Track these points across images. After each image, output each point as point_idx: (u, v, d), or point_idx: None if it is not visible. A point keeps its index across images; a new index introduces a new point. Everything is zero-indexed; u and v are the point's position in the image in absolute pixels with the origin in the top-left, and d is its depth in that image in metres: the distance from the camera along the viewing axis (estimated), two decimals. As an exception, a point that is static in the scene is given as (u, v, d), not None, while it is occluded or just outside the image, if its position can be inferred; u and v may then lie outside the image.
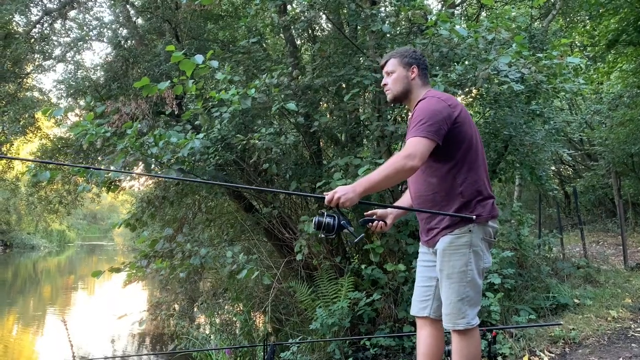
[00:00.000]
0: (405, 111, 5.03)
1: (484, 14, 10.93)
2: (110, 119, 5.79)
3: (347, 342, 4.73)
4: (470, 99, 6.04)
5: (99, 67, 9.90)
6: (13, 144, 12.68)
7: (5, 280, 20.43)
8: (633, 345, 4.07)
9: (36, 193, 12.63)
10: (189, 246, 5.13)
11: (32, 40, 10.10)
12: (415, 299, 2.57)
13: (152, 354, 8.56)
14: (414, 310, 2.56)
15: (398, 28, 6.01)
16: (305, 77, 5.78)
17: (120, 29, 9.10)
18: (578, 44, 15.32)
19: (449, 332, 2.42)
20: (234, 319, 6.75)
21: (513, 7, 11.21)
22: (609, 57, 12.53)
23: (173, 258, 5.20)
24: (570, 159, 14.00)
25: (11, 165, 14.47)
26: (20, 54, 9.49)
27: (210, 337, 6.40)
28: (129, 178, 5.87)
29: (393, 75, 2.56)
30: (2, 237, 31.82)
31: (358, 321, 4.90)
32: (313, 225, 2.33)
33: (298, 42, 7.04)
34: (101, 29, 9.91)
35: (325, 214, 2.30)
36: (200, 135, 4.71)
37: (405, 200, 2.69)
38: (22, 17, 10.04)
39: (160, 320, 7.46)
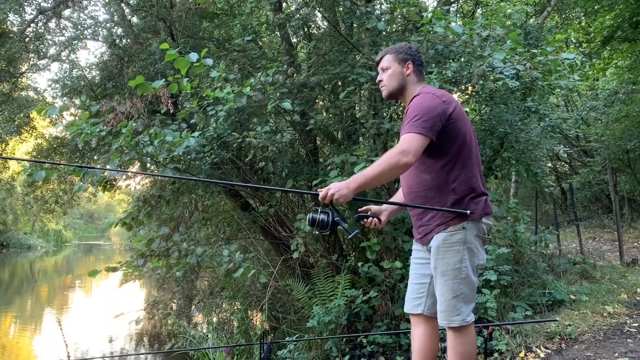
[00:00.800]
0: (401, 108, 5.03)
1: (479, 10, 10.93)
2: (106, 118, 5.77)
3: (344, 339, 4.73)
4: (466, 96, 6.04)
5: (94, 66, 9.86)
6: (8, 144, 12.63)
7: (2, 280, 20.37)
8: (629, 340, 4.08)
9: (32, 193, 12.59)
10: (185, 245, 5.12)
11: (27, 39, 10.04)
12: (408, 296, 2.57)
13: (150, 353, 8.55)
14: (407, 308, 2.56)
15: (393, 25, 6.01)
16: (300, 75, 5.78)
17: (115, 27, 9.07)
18: (573, 41, 15.35)
19: (444, 329, 2.42)
20: (231, 317, 6.75)
21: (508, 4, 11.21)
22: (605, 53, 12.56)
23: (169, 257, 5.19)
24: (566, 155, 14.03)
25: (7, 165, 14.42)
26: (15, 53, 9.43)
27: (207, 335, 6.40)
28: (124, 177, 5.85)
29: (388, 71, 2.56)
30: (-1, 237, 31.73)
31: (355, 319, 4.91)
32: (307, 221, 2.32)
33: (293, 40, 7.02)
34: (96, 28, 9.87)
35: (320, 210, 2.30)
36: (196, 134, 4.70)
37: (398, 197, 2.68)
38: (17, 16, 9.98)
39: (157, 320, 7.44)
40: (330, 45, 6.08)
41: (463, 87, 5.17)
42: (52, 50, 10.64)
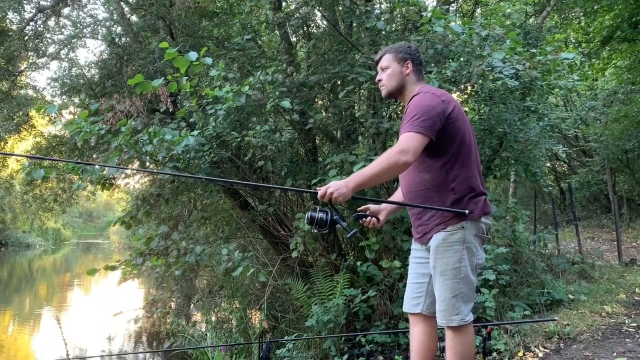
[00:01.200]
0: (400, 108, 5.03)
1: (479, 10, 10.93)
2: (105, 117, 5.76)
3: (343, 338, 4.74)
4: (465, 96, 6.04)
5: (93, 65, 9.87)
6: (7, 142, 12.62)
7: (1, 278, 20.36)
8: (627, 340, 4.09)
9: (31, 191, 12.58)
10: (184, 244, 5.12)
11: (26, 37, 10.03)
12: (407, 295, 2.57)
13: (148, 352, 8.55)
14: (406, 307, 2.56)
15: (393, 25, 6.00)
16: (300, 74, 5.77)
17: (115, 26, 9.06)
18: (573, 41, 15.35)
19: (443, 328, 2.42)
20: (230, 316, 6.75)
21: (508, 4, 11.21)
22: (604, 53, 12.57)
23: (168, 256, 5.19)
24: (565, 155, 14.03)
25: (5, 164, 14.41)
26: (14, 51, 9.42)
27: (206, 334, 6.39)
28: (124, 175, 5.84)
29: (387, 70, 2.56)
30: (-3, 236, 31.66)
31: (354, 318, 4.91)
32: (306, 220, 2.32)
33: (293, 39, 7.02)
34: (95, 26, 9.87)
35: (318, 209, 2.30)
36: (195, 133, 4.69)
37: (397, 196, 2.69)
38: (16, 14, 9.97)
39: (156, 318, 7.44)
40: (329, 45, 6.08)
41: (462, 86, 5.17)
42: (51, 49, 10.64)
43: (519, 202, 10.70)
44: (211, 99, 4.84)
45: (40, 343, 9.63)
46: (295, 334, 5.25)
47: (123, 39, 8.69)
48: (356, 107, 6.18)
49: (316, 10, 6.39)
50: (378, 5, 6.62)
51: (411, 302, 2.54)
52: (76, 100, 9.12)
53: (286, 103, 4.65)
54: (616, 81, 13.86)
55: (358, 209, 2.64)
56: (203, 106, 5.02)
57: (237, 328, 6.23)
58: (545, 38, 8.10)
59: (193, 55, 4.15)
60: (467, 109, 6.38)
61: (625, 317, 4.72)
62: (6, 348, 9.33)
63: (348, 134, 6.07)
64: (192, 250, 5.02)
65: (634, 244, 10.62)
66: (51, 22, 10.52)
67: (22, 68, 11.10)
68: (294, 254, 4.87)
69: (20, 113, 10.67)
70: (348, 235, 2.30)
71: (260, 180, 6.16)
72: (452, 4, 9.64)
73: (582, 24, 13.80)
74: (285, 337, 5.17)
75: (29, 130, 11.98)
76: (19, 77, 11.22)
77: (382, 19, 5.32)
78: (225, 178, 6.02)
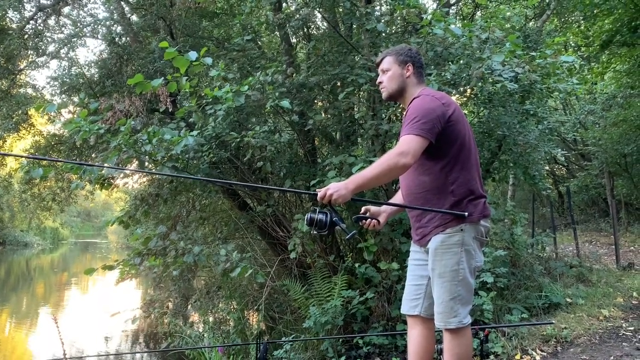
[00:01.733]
0: (399, 110, 5.03)
1: (478, 13, 10.96)
2: (104, 116, 5.76)
3: (340, 340, 4.73)
4: (465, 99, 6.05)
5: (93, 64, 9.87)
6: (6, 141, 12.61)
7: (-2, 277, 20.32)
8: (624, 344, 4.09)
9: (29, 190, 12.55)
10: (182, 244, 5.11)
11: (26, 36, 10.03)
12: (406, 297, 2.57)
13: (146, 352, 8.54)
14: (404, 309, 2.56)
15: (393, 27, 6.01)
16: (299, 75, 5.78)
17: (115, 25, 9.07)
18: (572, 44, 15.38)
19: (441, 331, 2.42)
20: (228, 317, 6.74)
21: (507, 7, 11.24)
22: (603, 57, 12.61)
23: (166, 256, 5.18)
24: (564, 159, 14.06)
25: (4, 162, 14.39)
26: (14, 50, 9.42)
27: (203, 335, 6.39)
28: (122, 175, 5.83)
29: (388, 73, 2.56)
30: (-5, 234, 31.55)
31: (351, 319, 4.91)
32: (305, 221, 2.33)
33: (293, 40, 7.02)
34: (95, 26, 9.88)
35: (318, 210, 2.30)
36: (194, 133, 4.69)
37: (397, 198, 2.69)
38: (16, 12, 9.97)
39: (153, 318, 7.43)
40: (329, 46, 6.08)
41: (462, 89, 5.17)
42: (51, 48, 10.65)
43: (518, 205, 10.73)
44: (211, 99, 4.84)
45: (37, 342, 9.60)
46: (293, 335, 5.25)
47: (123, 39, 8.70)
48: (355, 109, 6.19)
49: (316, 12, 6.39)
50: (378, 7, 6.63)
51: (409, 304, 2.54)
52: (75, 99, 9.12)
53: (285, 103, 4.65)
54: (615, 85, 13.90)
55: (361, 211, 2.64)
56: (202, 106, 5.02)
57: (235, 329, 6.22)
58: (544, 41, 8.12)
59: (193, 55, 4.15)
60: (466, 111, 6.38)
61: (622, 321, 4.72)
62: (3, 347, 9.31)
63: (347, 136, 6.08)
64: (190, 251, 5.01)
65: (632, 247, 10.64)
66: (51, 21, 10.54)
67: (22, 67, 11.09)
68: (292, 255, 4.87)
69: (20, 112, 10.67)
70: (347, 237, 2.30)
71: (259, 181, 6.16)
72: (452, 7, 9.66)
73: (582, 27, 13.84)
74: (283, 338, 5.16)
75: (28, 129, 11.98)
76: (18, 76, 11.22)
77: (383, 21, 5.33)
78: (224, 179, 6.02)
